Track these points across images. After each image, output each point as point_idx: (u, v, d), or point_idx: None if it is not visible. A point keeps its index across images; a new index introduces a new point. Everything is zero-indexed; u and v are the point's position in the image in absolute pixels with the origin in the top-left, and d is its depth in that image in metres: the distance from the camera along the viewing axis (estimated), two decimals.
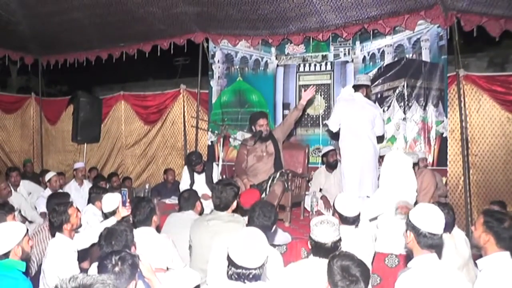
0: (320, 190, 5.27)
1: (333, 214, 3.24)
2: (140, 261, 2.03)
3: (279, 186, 4.08)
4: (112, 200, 3.30)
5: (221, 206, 3.07)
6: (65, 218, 2.83)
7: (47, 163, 8.43)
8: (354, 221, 3.00)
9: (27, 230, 2.48)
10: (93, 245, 2.97)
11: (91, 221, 3.90)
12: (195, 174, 5.13)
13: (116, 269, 1.91)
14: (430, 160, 5.46)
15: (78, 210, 3.04)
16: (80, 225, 3.01)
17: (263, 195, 4.07)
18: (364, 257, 2.78)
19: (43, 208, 4.92)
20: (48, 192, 5.21)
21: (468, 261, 2.77)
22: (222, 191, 3.07)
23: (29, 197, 5.44)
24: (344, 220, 2.93)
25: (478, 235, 2.22)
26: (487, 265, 2.14)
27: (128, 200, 3.18)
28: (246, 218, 2.82)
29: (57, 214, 2.83)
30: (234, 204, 3.13)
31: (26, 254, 2.43)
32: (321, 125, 6.05)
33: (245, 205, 3.10)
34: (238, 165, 4.67)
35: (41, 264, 2.93)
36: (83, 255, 3.14)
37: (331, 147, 5.40)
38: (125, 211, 3.11)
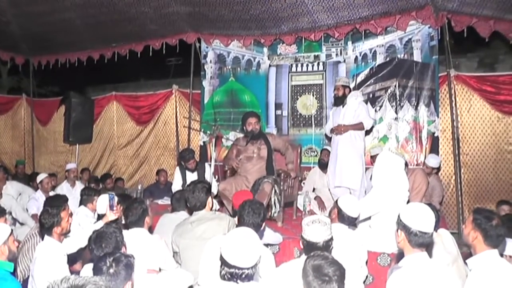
0: (313, 190, 5.30)
1: (330, 211, 3.29)
2: None
3: (268, 185, 4.09)
4: (106, 201, 3.28)
5: (197, 205, 3.09)
6: (56, 221, 2.81)
7: (38, 164, 8.37)
8: (352, 222, 3.05)
9: (12, 230, 2.47)
10: (81, 249, 2.95)
11: (83, 223, 3.88)
12: (187, 174, 5.11)
13: (111, 270, 1.91)
14: (421, 159, 5.50)
15: (71, 215, 3.02)
16: (69, 231, 2.99)
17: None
18: (356, 256, 2.82)
19: (34, 210, 4.89)
20: (40, 194, 5.18)
21: (457, 258, 2.81)
22: (194, 191, 3.09)
23: (19, 198, 5.39)
24: (342, 218, 2.99)
25: (467, 233, 2.25)
26: (476, 264, 2.17)
27: (116, 204, 3.15)
28: (236, 218, 2.83)
29: (49, 215, 2.81)
30: (210, 200, 3.15)
31: (12, 254, 2.41)
32: (313, 125, 6.08)
33: (238, 206, 3.11)
34: (225, 160, 4.72)
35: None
36: (74, 258, 3.12)
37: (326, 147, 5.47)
38: (112, 215, 3.09)
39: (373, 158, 5.21)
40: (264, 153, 4.45)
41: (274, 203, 4.12)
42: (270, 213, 4.12)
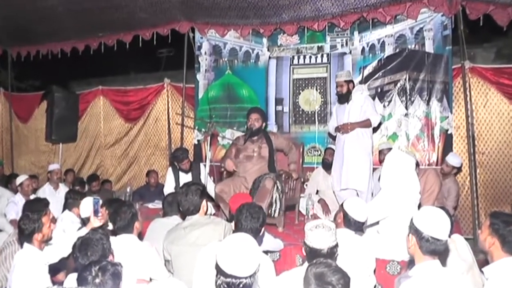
0: (317, 192, 5.30)
1: (335, 215, 3.30)
2: None
3: (269, 181, 4.08)
4: (90, 205, 3.27)
5: (191, 209, 3.08)
6: (37, 227, 2.80)
7: (18, 164, 8.36)
8: (358, 227, 3.05)
9: None
10: (63, 258, 2.94)
11: (68, 229, 3.87)
12: (181, 176, 5.12)
13: (97, 280, 1.91)
14: (434, 159, 5.51)
15: (53, 221, 3.01)
16: (51, 238, 2.98)
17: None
18: (363, 264, 2.82)
19: (13, 215, 4.87)
20: (19, 197, 5.17)
21: (472, 266, 2.81)
22: (187, 193, 3.07)
23: None
24: (348, 223, 3.00)
25: (483, 238, 2.25)
26: (494, 273, 2.17)
27: (101, 210, 3.14)
28: (232, 223, 2.83)
29: (29, 221, 2.79)
30: (204, 203, 3.14)
31: None
32: (317, 122, 6.08)
33: (235, 210, 3.11)
34: (223, 159, 4.71)
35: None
36: (57, 267, 3.11)
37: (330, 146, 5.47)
38: (97, 222, 3.08)
39: (380, 153, 5.22)
40: (265, 152, 4.45)
41: (275, 200, 4.12)
42: (270, 212, 4.11)
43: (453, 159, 5.09)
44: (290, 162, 4.57)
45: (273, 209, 4.11)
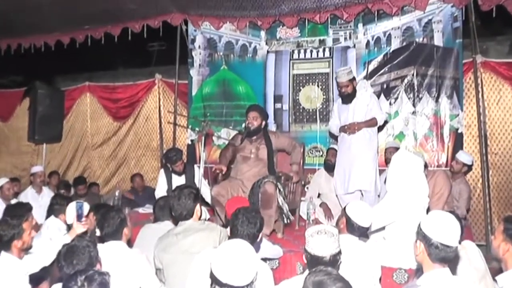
0: (319, 195, 5.30)
1: (338, 220, 3.30)
2: None
3: (269, 185, 4.08)
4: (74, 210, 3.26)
5: (184, 214, 3.08)
6: (17, 233, 2.78)
7: None
8: (363, 232, 3.05)
9: None
10: (44, 267, 2.93)
11: (55, 237, 3.85)
12: (173, 178, 5.12)
13: None
14: (443, 159, 5.52)
15: (35, 228, 3.00)
16: (31, 246, 2.96)
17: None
18: (367, 273, 2.82)
19: None
20: None
21: (485, 274, 2.81)
22: (180, 197, 3.07)
23: None
24: (352, 228, 3.00)
25: (497, 245, 2.25)
26: (508, 282, 2.17)
27: (86, 214, 3.13)
28: (228, 229, 2.83)
29: (8, 227, 2.78)
30: (198, 208, 3.14)
31: None
32: (318, 121, 6.08)
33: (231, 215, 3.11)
34: (219, 158, 4.72)
35: None
36: (40, 276, 3.10)
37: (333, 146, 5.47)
38: (80, 227, 3.07)
39: (386, 152, 5.22)
40: (263, 154, 4.44)
41: (282, 204, 4.12)
42: (284, 219, 4.13)
43: (464, 156, 5.12)
44: (292, 162, 4.56)
45: (284, 213, 4.12)
